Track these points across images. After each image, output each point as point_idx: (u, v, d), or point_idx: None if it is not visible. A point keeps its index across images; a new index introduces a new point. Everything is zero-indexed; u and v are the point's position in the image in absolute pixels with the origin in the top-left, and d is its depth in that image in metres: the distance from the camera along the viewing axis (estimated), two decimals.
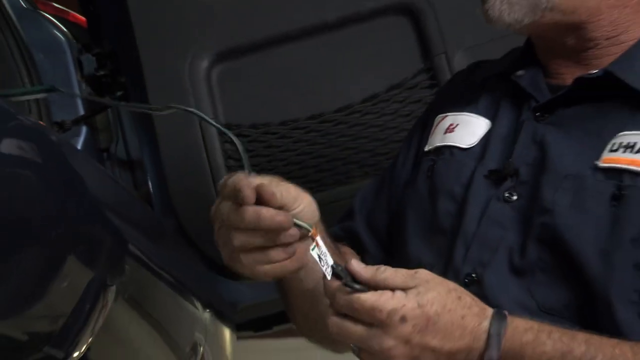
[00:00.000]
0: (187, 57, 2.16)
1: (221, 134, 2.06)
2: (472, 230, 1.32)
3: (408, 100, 2.15)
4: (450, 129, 1.44)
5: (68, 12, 2.42)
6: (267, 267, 1.25)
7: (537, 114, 1.35)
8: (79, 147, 2.12)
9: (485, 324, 1.15)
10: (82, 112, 2.18)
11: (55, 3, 2.39)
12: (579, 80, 1.32)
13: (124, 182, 2.25)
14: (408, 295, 1.13)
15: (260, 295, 2.18)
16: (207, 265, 2.13)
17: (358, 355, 1.19)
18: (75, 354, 1.35)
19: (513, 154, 1.34)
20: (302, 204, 1.25)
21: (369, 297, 1.13)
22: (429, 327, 1.14)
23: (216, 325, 2.27)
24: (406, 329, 1.13)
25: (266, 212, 1.17)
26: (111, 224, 1.54)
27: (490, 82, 1.45)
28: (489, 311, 1.16)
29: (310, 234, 1.20)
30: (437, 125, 1.47)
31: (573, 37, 1.35)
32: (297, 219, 1.22)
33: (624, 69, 1.30)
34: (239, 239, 1.22)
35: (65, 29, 2.19)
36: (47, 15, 2.19)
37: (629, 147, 1.25)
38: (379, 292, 1.13)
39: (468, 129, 1.42)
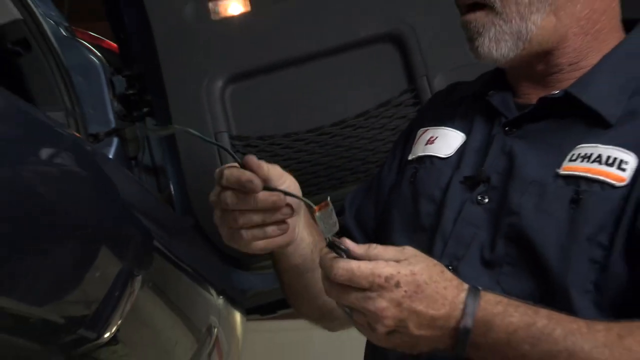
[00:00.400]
0: (204, 78, 2.16)
1: (233, 145, 2.09)
2: (449, 229, 1.32)
3: (394, 116, 2.15)
4: (430, 141, 1.43)
5: (102, 39, 2.42)
6: (263, 242, 1.28)
7: (506, 129, 1.34)
8: (110, 155, 2.11)
9: (463, 295, 1.14)
10: (113, 124, 2.18)
11: (91, 32, 2.39)
12: (542, 100, 1.32)
13: (149, 186, 2.24)
14: (401, 264, 1.13)
15: (266, 284, 2.18)
16: (220, 257, 2.13)
17: (350, 317, 1.18)
18: (106, 335, 1.35)
19: (485, 163, 1.33)
20: (287, 181, 1.28)
21: (368, 264, 1.12)
22: (418, 293, 1.13)
23: (228, 309, 2.26)
24: (399, 293, 1.12)
25: (263, 196, 1.22)
26: (138, 223, 1.55)
27: (466, 101, 1.44)
28: (466, 285, 1.15)
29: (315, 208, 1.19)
30: (419, 138, 1.46)
31: (542, 64, 1.34)
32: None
33: (581, 90, 1.29)
34: (242, 220, 1.25)
35: (99, 54, 2.19)
36: (84, 43, 2.19)
37: (586, 157, 1.24)
38: (375, 261, 1.13)
39: (446, 141, 1.41)
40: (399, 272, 1.12)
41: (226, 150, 1.35)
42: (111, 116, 2.09)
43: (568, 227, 1.22)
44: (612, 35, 1.35)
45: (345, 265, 1.13)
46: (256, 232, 1.27)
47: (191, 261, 1.85)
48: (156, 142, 2.24)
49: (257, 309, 2.34)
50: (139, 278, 1.47)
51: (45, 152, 1.13)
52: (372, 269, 1.12)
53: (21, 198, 1.08)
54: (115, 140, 2.14)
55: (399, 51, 2.16)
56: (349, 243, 1.15)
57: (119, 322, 1.41)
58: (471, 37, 1.33)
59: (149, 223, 1.62)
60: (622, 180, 1.21)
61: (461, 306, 1.14)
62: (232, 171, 1.24)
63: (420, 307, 1.13)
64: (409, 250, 1.16)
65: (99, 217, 1.32)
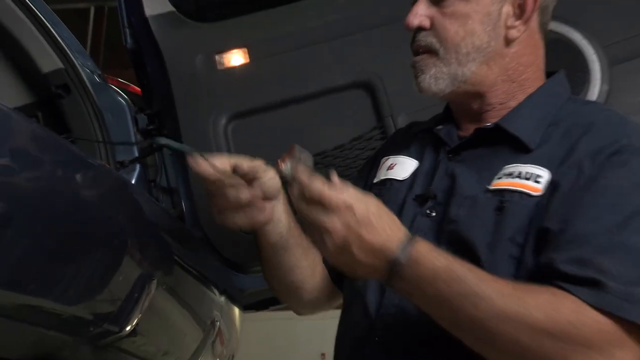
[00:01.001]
0: (210, 116, 2.15)
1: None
2: None
3: (365, 148, 2.14)
4: (391, 167, 1.42)
5: (129, 84, 2.42)
6: (247, 220, 1.33)
7: (449, 155, 1.34)
8: (134, 179, 2.12)
9: (401, 234, 1.15)
10: (136, 154, 2.18)
11: (120, 78, 2.40)
12: (477, 130, 1.33)
13: (165, 203, 2.24)
14: (360, 199, 1.15)
15: (260, 284, 2.16)
16: (223, 262, 2.13)
17: (308, 231, 1.20)
18: (127, 328, 1.36)
19: (432, 183, 1.33)
20: (270, 174, 1.33)
21: (335, 191, 1.14)
22: (366, 222, 1.13)
23: (229, 306, 2.25)
24: (351, 218, 1.13)
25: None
26: (154, 235, 1.55)
27: (421, 134, 1.44)
28: (406, 230, 1.17)
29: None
30: (382, 165, 1.45)
31: (477, 103, 1.34)
32: (267, 184, 1.32)
33: (508, 123, 1.30)
34: (234, 200, 1.30)
35: (126, 97, 2.20)
36: (114, 87, 2.20)
37: (510, 175, 1.25)
38: (342, 190, 1.14)
39: (403, 167, 1.41)
40: (355, 201, 1.14)
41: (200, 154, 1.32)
42: (135, 147, 2.08)
43: (494, 229, 1.22)
44: (536, 82, 1.35)
45: (318, 186, 1.14)
46: (242, 214, 1.33)
47: (198, 266, 1.85)
48: (171, 167, 2.24)
49: (252, 305, 2.33)
50: (155, 281, 1.47)
51: (81, 179, 1.14)
52: (337, 194, 1.14)
53: (62, 217, 1.09)
54: (138, 166, 2.14)
55: (369, 95, 2.16)
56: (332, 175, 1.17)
57: (138, 317, 1.41)
58: (416, 74, 1.34)
59: (163, 235, 1.63)
60: (537, 190, 1.21)
61: (397, 243, 1.14)
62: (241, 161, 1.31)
63: (364, 233, 1.14)
64: (372, 195, 1.18)
65: (123, 231, 1.32)
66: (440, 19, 1.31)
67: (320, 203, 1.14)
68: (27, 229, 0.98)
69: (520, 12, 1.31)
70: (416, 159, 1.40)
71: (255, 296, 2.26)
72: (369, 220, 1.14)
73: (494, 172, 1.27)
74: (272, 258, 1.45)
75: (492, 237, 1.21)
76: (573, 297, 1.09)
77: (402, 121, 2.08)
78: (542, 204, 1.20)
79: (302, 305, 1.57)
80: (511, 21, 1.31)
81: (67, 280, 1.13)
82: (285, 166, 1.24)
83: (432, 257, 1.14)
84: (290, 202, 1.27)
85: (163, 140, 1.37)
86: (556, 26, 1.94)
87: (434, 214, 1.31)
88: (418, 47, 1.34)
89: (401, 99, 2.11)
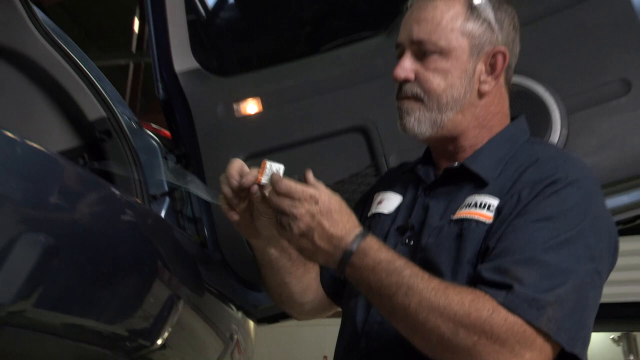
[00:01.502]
0: (229, 156, 2.08)
1: None
2: None
3: (362, 183, 2.11)
4: (380, 202, 1.43)
5: (160, 129, 2.43)
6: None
7: (425, 192, 1.35)
8: (164, 210, 2.11)
9: (356, 230, 1.18)
10: (166, 188, 2.17)
11: (153, 124, 2.40)
12: (446, 170, 1.34)
13: (190, 231, 2.23)
14: (325, 193, 1.19)
15: (271, 301, 2.15)
16: (239, 282, 2.10)
17: (278, 221, 1.20)
18: (158, 342, 1.34)
19: (411, 216, 1.34)
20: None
21: (300, 186, 1.19)
22: (328, 214, 1.16)
23: (245, 320, 2.24)
24: (315, 207, 1.16)
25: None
26: (181, 260, 1.54)
27: (406, 173, 1.45)
28: (360, 226, 1.19)
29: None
30: (374, 200, 1.46)
31: (452, 145, 1.35)
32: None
33: (471, 162, 1.31)
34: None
35: (157, 140, 2.19)
36: (148, 131, 2.20)
37: (468, 205, 1.25)
38: (311, 185, 1.19)
39: (389, 202, 1.41)
40: (320, 195, 1.18)
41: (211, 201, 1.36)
42: (165, 183, 2.07)
43: (455, 254, 1.22)
44: (501, 127, 1.36)
45: (288, 182, 1.19)
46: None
47: (218, 285, 1.83)
48: (195, 200, 2.22)
49: (265, 319, 2.29)
50: (182, 300, 1.45)
51: (118, 214, 1.13)
52: (304, 188, 1.18)
53: (102, 247, 1.08)
54: (167, 199, 2.12)
55: (365, 138, 2.15)
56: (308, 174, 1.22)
57: (168, 332, 1.39)
58: (401, 116, 1.34)
59: (188, 260, 1.61)
60: (489, 218, 1.22)
61: (352, 236, 1.17)
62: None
63: (325, 223, 1.16)
64: (338, 195, 1.21)
65: (155, 258, 1.31)
66: (424, 72, 1.31)
67: (289, 195, 1.18)
68: (72, 258, 0.97)
69: (492, 69, 1.33)
70: (400, 194, 1.41)
71: (267, 311, 2.21)
72: (331, 213, 1.17)
73: (458, 204, 1.28)
74: (264, 271, 1.46)
75: (454, 262, 1.22)
76: (491, 299, 1.10)
77: (393, 160, 2.07)
78: (496, 230, 1.20)
79: (297, 312, 1.57)
80: (484, 77, 1.32)
81: (106, 302, 1.11)
82: (264, 178, 1.26)
83: (378, 250, 1.17)
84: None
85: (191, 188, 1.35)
86: (523, 80, 1.94)
87: (411, 242, 1.31)
88: (405, 95, 1.34)
89: (392, 141, 2.09)
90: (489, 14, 1.31)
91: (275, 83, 2.22)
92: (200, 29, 2.43)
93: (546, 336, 1.09)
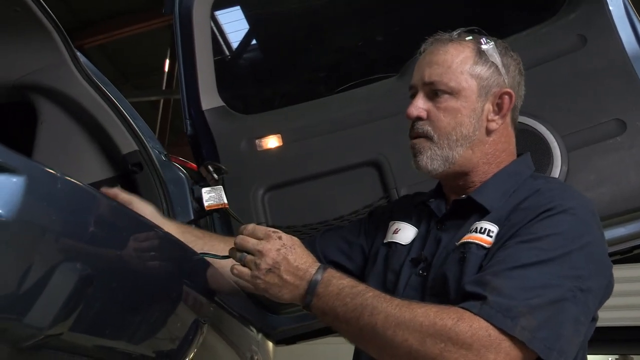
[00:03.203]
0: (251, 188, 2.16)
1: None
2: (400, 292, 1.30)
3: None
4: (396, 231, 1.42)
5: (187, 162, 2.44)
6: None
7: (437, 225, 1.35)
8: None
9: (316, 263, 1.20)
10: (192, 217, 2.17)
11: (180, 157, 2.41)
12: (454, 202, 1.34)
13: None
14: (285, 233, 1.23)
15: (289, 323, 2.14)
16: (259, 305, 2.07)
17: (243, 262, 1.22)
18: None
19: (425, 248, 1.33)
20: None
21: (263, 227, 1.23)
22: (292, 248, 1.19)
23: (264, 341, 2.21)
24: (280, 243, 1.20)
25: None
26: (205, 286, 1.52)
27: (420, 205, 1.43)
28: (316, 261, 1.22)
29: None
30: (390, 227, 1.44)
31: (462, 180, 1.35)
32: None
33: (477, 195, 1.31)
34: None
35: (185, 172, 2.21)
36: (176, 164, 2.21)
37: (472, 231, 1.25)
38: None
39: (405, 233, 1.40)
40: (282, 234, 1.22)
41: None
42: (191, 212, 2.08)
43: (458, 277, 1.21)
44: (506, 162, 1.36)
45: (251, 225, 1.23)
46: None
47: (239, 309, 1.81)
48: (219, 228, 2.22)
49: (283, 340, 2.28)
50: (206, 323, 1.44)
51: (148, 244, 1.13)
52: (266, 228, 1.22)
53: (132, 275, 1.08)
54: (193, 227, 2.12)
55: (377, 172, 2.15)
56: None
57: (193, 353, 1.38)
58: (415, 154, 1.35)
59: (212, 285, 1.60)
60: (488, 243, 1.21)
61: (315, 267, 1.19)
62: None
63: (290, 256, 1.18)
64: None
65: (181, 285, 1.30)
66: (435, 111, 1.32)
67: (254, 235, 1.21)
68: (105, 286, 0.97)
69: (499, 109, 1.33)
70: (415, 226, 1.40)
71: (285, 333, 2.21)
72: (294, 247, 1.20)
73: (464, 233, 1.27)
74: None
75: (457, 285, 1.20)
76: (457, 308, 1.09)
77: (403, 192, 2.07)
78: (491, 253, 1.19)
79: None
80: (491, 116, 1.33)
81: (135, 326, 1.11)
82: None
83: (340, 278, 1.18)
84: None
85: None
86: (527, 120, 1.94)
87: (425, 273, 1.30)
88: (416, 133, 1.34)
89: (403, 174, 2.10)
90: (496, 58, 1.33)
91: (295, 120, 2.25)
92: (226, 70, 2.46)
93: (519, 343, 1.06)
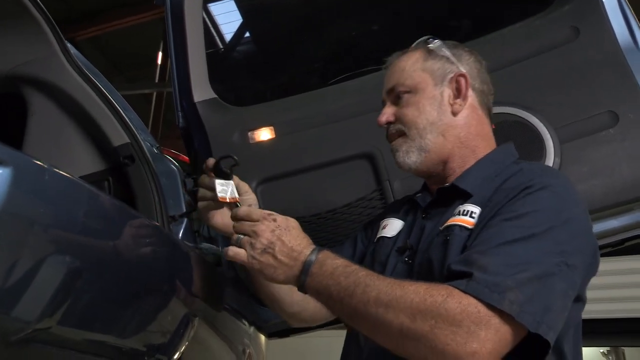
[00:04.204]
0: (243, 180, 2.13)
1: None
2: None
3: (367, 206, 2.11)
4: (384, 227, 1.45)
5: (179, 154, 2.42)
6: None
7: (422, 215, 1.37)
8: (182, 230, 2.09)
9: (311, 244, 1.22)
10: (184, 210, 2.15)
11: (173, 149, 2.40)
12: (439, 190, 1.37)
13: (207, 249, 2.21)
14: (279, 214, 1.25)
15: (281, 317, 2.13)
16: (251, 298, 2.07)
17: (239, 243, 1.24)
18: (175, 357, 1.32)
19: (410, 237, 1.36)
20: (251, 196, 1.50)
21: (258, 209, 1.26)
22: (286, 229, 1.22)
23: (256, 334, 2.21)
24: (274, 224, 1.22)
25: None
26: (196, 279, 1.52)
27: (408, 201, 1.48)
28: (312, 242, 1.24)
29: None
30: (380, 226, 1.48)
31: (442, 169, 1.38)
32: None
33: (460, 181, 1.33)
34: None
35: (177, 164, 2.19)
36: (168, 157, 2.19)
37: (455, 214, 1.27)
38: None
39: (392, 227, 1.44)
40: (277, 216, 1.24)
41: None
42: (183, 205, 2.06)
43: (442, 260, 1.22)
44: (486, 150, 1.40)
45: (246, 207, 1.27)
46: None
47: (231, 302, 1.81)
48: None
49: (275, 334, 2.26)
50: (198, 317, 1.43)
51: (138, 237, 1.11)
52: (261, 210, 1.25)
53: (123, 268, 1.07)
54: (185, 220, 2.11)
55: (371, 164, 2.14)
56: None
57: (184, 347, 1.37)
58: (394, 154, 1.41)
59: (203, 278, 1.59)
60: (471, 224, 1.23)
61: (310, 248, 1.22)
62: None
63: (285, 237, 1.21)
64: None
65: (172, 278, 1.29)
66: (400, 110, 1.40)
67: (249, 218, 1.24)
68: (95, 279, 0.96)
69: (458, 93, 1.39)
70: (402, 219, 1.44)
71: (277, 326, 2.19)
72: (289, 229, 1.22)
73: (448, 217, 1.29)
74: (268, 298, 1.50)
75: (442, 267, 1.21)
76: (447, 285, 1.09)
77: (397, 185, 2.07)
78: (475, 233, 1.20)
79: (286, 315, 1.57)
80: (452, 100, 1.39)
81: (126, 320, 1.10)
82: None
83: (334, 258, 1.19)
84: None
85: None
86: (520, 112, 1.94)
87: (410, 260, 1.32)
88: (392, 135, 1.42)
89: (396, 167, 2.04)
90: (445, 52, 1.42)
91: (288, 113, 2.23)
92: (218, 61, 2.44)
93: (508, 318, 1.06)
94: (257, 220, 1.22)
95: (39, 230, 0.84)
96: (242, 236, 1.24)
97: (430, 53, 1.42)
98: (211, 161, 1.47)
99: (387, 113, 1.42)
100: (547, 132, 1.96)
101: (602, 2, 2.00)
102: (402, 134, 1.39)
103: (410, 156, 1.37)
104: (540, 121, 1.96)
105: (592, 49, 1.98)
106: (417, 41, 1.48)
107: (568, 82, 1.99)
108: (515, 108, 1.97)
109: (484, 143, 1.39)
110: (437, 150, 1.36)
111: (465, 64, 1.42)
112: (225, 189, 1.36)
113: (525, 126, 1.97)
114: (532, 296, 1.08)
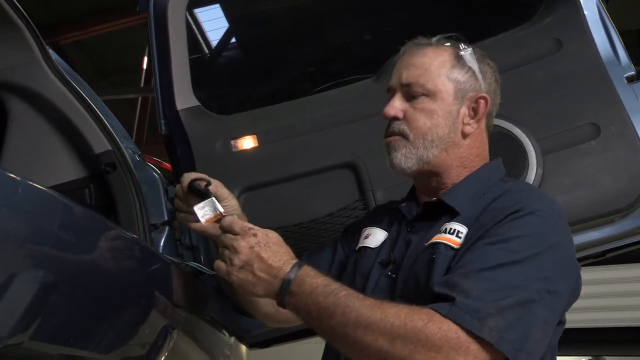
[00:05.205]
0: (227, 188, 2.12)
1: None
2: (369, 295, 1.25)
3: (350, 216, 2.08)
4: (367, 236, 1.42)
5: (161, 162, 2.40)
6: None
7: (407, 228, 1.35)
8: (163, 238, 2.07)
9: (293, 261, 1.19)
10: (166, 218, 2.13)
11: (155, 157, 2.37)
12: (425, 204, 1.35)
13: (188, 258, 2.19)
14: (263, 229, 1.22)
15: (263, 327, 2.10)
16: (233, 309, 2.04)
17: (221, 256, 1.22)
18: None
19: (394, 251, 1.33)
20: (231, 200, 1.49)
21: (240, 221, 1.23)
22: (266, 246, 1.18)
23: (237, 344, 2.19)
24: (254, 240, 1.19)
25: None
26: (175, 290, 1.50)
27: (392, 210, 1.44)
28: (295, 258, 1.21)
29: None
30: (362, 234, 1.45)
31: (435, 180, 1.35)
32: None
33: (447, 197, 1.31)
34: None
35: (159, 172, 2.17)
36: (150, 164, 2.17)
37: (441, 232, 1.25)
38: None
39: (375, 237, 1.40)
40: (258, 231, 1.21)
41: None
42: (165, 213, 2.04)
43: (427, 276, 1.20)
44: (478, 166, 1.37)
45: (230, 219, 1.23)
46: None
47: (212, 312, 1.79)
48: None
49: (257, 344, 2.24)
50: (176, 329, 1.41)
51: (115, 250, 1.09)
52: (244, 223, 1.22)
53: (98, 282, 1.05)
54: (167, 228, 2.09)
55: (354, 174, 2.12)
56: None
57: (163, 358, 1.35)
58: (389, 152, 1.36)
59: (182, 290, 1.57)
60: (457, 244, 1.21)
61: (289, 266, 1.18)
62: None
63: (264, 255, 1.18)
64: (275, 232, 1.25)
65: (150, 291, 1.27)
66: (412, 112, 1.33)
67: (230, 230, 1.21)
68: (70, 293, 0.94)
69: (474, 113, 1.34)
70: (386, 230, 1.40)
71: (259, 337, 2.17)
72: (269, 245, 1.19)
73: (434, 234, 1.27)
74: (251, 308, 1.49)
75: (427, 286, 1.20)
76: (428, 309, 1.08)
77: (380, 195, 2.05)
78: (460, 254, 1.19)
79: (260, 316, 1.56)
80: (467, 119, 1.34)
81: (102, 333, 1.08)
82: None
83: (314, 277, 1.17)
84: None
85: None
86: (503, 123, 1.94)
87: (393, 275, 1.30)
88: (392, 132, 1.35)
89: (379, 177, 2.07)
90: (474, 64, 1.34)
91: (271, 121, 2.21)
92: (202, 69, 2.42)
93: (487, 345, 1.06)
94: (238, 234, 1.20)
95: (13, 245, 0.82)
96: (224, 249, 1.22)
97: (459, 60, 1.33)
98: (180, 189, 1.44)
99: (397, 108, 1.34)
100: (529, 143, 1.97)
101: (584, 15, 2.02)
102: (404, 135, 1.33)
103: (407, 162, 1.32)
104: (523, 132, 1.97)
105: (574, 61, 2.00)
106: (445, 35, 1.38)
107: (550, 94, 2.00)
108: (498, 119, 1.97)
109: (480, 162, 1.37)
110: (436, 164, 1.33)
111: (487, 83, 1.36)
112: (206, 210, 1.33)
113: (508, 137, 1.97)
114: (513, 323, 1.07)
